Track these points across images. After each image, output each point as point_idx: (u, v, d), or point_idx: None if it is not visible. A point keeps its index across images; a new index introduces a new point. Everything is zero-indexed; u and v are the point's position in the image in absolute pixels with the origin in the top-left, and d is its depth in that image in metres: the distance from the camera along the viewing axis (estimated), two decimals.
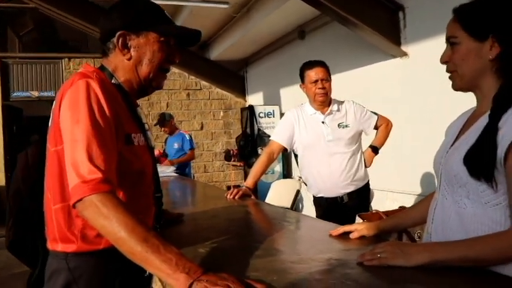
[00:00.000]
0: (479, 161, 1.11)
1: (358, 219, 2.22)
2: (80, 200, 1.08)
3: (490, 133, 1.11)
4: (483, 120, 1.18)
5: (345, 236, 1.49)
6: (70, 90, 1.22)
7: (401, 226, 1.60)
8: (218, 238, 1.54)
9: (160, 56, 1.37)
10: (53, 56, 8.42)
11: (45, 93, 8.31)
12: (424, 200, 1.51)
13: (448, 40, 1.27)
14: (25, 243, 1.40)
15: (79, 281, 1.24)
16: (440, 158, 1.31)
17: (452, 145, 1.28)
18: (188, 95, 9.19)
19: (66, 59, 8.39)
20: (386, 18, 4.91)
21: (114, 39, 1.34)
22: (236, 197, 2.51)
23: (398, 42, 4.89)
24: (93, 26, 7.18)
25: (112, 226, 1.06)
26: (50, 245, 1.29)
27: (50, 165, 1.27)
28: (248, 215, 2.14)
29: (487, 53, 1.18)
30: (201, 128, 9.27)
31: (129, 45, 1.35)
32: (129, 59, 1.35)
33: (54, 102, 1.30)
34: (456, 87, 1.28)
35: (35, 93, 8.20)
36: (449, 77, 1.29)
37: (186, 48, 1.56)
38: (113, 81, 1.36)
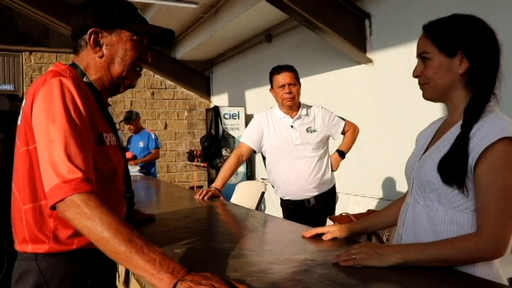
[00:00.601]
0: (452, 169, 1.18)
1: (329, 222, 2.27)
2: (61, 200, 1.07)
3: (461, 143, 1.18)
4: (455, 130, 1.25)
5: (316, 237, 1.53)
6: (43, 88, 1.20)
7: (371, 228, 1.65)
8: (192, 238, 1.54)
9: (133, 55, 1.35)
10: (13, 49, 8.13)
11: (4, 87, 8.01)
12: (393, 205, 1.58)
13: (420, 55, 1.33)
14: None
15: (50, 282, 1.22)
16: (413, 164, 1.37)
17: (424, 152, 1.34)
18: (153, 93, 9.08)
19: (27, 53, 8.12)
20: (353, 26, 5.02)
21: (86, 37, 1.33)
22: (205, 198, 2.52)
23: (364, 49, 5.01)
24: (56, 19, 6.99)
25: (95, 226, 1.05)
26: (18, 247, 1.26)
27: (20, 165, 1.24)
28: (219, 216, 2.15)
29: (457, 68, 1.25)
30: (165, 128, 9.19)
31: (101, 42, 1.33)
32: (101, 57, 1.34)
33: (24, 100, 1.27)
34: (427, 98, 1.35)
35: None
36: (421, 88, 1.35)
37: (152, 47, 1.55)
38: (84, 79, 1.34)
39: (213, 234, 1.67)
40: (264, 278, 1.09)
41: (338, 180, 3.21)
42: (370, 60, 4.97)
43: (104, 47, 1.33)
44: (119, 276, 1.48)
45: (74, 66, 1.35)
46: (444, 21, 1.31)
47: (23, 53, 8.14)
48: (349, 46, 4.97)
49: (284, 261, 1.26)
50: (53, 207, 1.09)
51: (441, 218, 1.23)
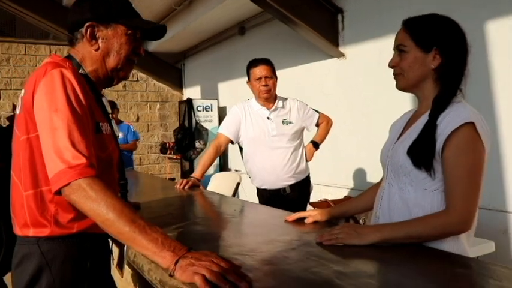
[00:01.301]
0: (421, 153, 1.31)
1: (309, 207, 2.39)
2: (67, 184, 1.13)
3: (429, 129, 1.30)
4: (424, 119, 1.37)
5: (298, 222, 1.63)
6: (44, 79, 1.25)
7: (348, 213, 1.77)
8: (180, 223, 1.62)
9: (127, 48, 1.42)
10: None
11: None
12: (367, 191, 1.70)
13: (397, 47, 1.44)
14: None
15: (52, 264, 1.28)
16: (387, 151, 1.49)
17: (397, 140, 1.46)
18: (124, 86, 9.01)
19: None
20: (326, 20, 5.14)
21: (83, 30, 1.38)
22: (186, 187, 2.59)
23: (336, 43, 5.13)
24: (22, 8, 6.83)
25: (100, 208, 1.11)
26: (19, 231, 1.31)
27: (21, 153, 1.29)
28: (202, 203, 2.23)
29: (430, 63, 1.37)
30: (137, 120, 9.14)
31: (97, 36, 1.39)
32: (96, 50, 1.40)
33: (23, 90, 1.32)
34: (400, 88, 1.46)
35: None
36: (395, 78, 1.47)
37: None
38: (80, 71, 1.39)
39: (199, 220, 1.75)
40: (255, 256, 1.18)
41: (313, 171, 3.33)
42: (342, 54, 5.10)
43: (99, 40, 1.39)
44: (113, 259, 1.54)
45: (69, 58, 1.41)
46: (424, 18, 1.42)
47: None
48: (322, 40, 5.07)
49: (271, 241, 1.36)
50: (58, 192, 1.15)
51: (413, 199, 1.35)
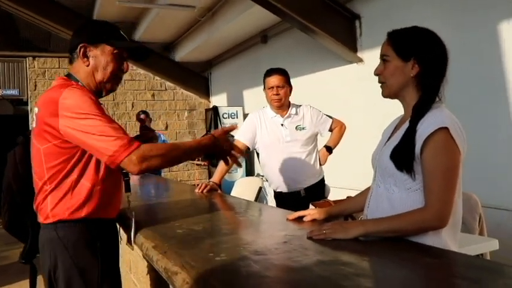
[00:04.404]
0: (402, 158, 1.43)
1: (311, 207, 2.52)
2: (127, 156, 1.50)
3: (409, 136, 1.43)
4: (406, 125, 1.49)
5: (299, 219, 1.77)
6: (61, 98, 1.54)
7: (346, 212, 1.90)
8: (192, 221, 1.79)
9: (113, 65, 1.73)
10: (17, 55, 8.39)
11: (9, 92, 8.28)
12: (364, 191, 1.83)
13: (381, 57, 1.57)
14: (18, 224, 1.77)
15: (68, 245, 1.58)
16: (376, 155, 1.62)
17: (385, 144, 1.59)
18: (153, 95, 9.33)
19: (31, 58, 8.39)
20: (344, 26, 5.26)
21: (77, 50, 1.69)
22: (204, 191, 2.77)
23: (354, 49, 5.24)
24: (57, 24, 7.23)
25: (163, 158, 1.58)
26: (41, 219, 1.62)
27: (44, 158, 1.59)
28: (216, 205, 2.40)
29: (409, 71, 1.50)
30: (166, 128, 9.44)
31: (88, 55, 1.70)
32: (87, 66, 1.70)
33: (36, 108, 1.62)
34: (384, 95, 1.60)
35: None
36: (380, 87, 1.60)
37: (153, 52, 1.98)
38: (79, 84, 1.70)
39: (210, 218, 1.92)
40: (249, 248, 1.34)
41: (331, 175, 3.44)
42: (360, 60, 5.21)
43: (90, 58, 1.70)
44: (121, 240, 1.80)
45: (68, 76, 1.73)
46: (405, 31, 1.56)
47: (27, 59, 8.40)
48: (340, 46, 5.20)
49: (268, 236, 1.52)
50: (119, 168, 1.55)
51: (398, 198, 1.48)
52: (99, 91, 1.75)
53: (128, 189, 1.89)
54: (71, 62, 1.74)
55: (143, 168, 1.51)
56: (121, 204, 1.82)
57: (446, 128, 1.37)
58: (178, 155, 1.64)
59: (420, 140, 1.40)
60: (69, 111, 1.50)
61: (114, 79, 1.75)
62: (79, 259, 1.59)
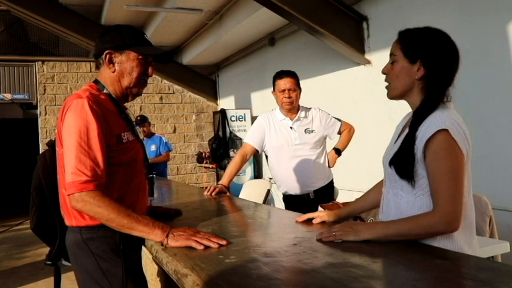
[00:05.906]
0: (401, 165, 1.43)
1: (320, 209, 2.52)
2: (71, 194, 1.50)
3: (408, 142, 1.42)
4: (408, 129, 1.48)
5: (308, 222, 1.77)
6: (69, 108, 1.58)
7: (355, 213, 1.90)
8: (202, 223, 1.80)
9: (138, 70, 1.75)
10: (26, 59, 8.47)
11: (19, 96, 8.36)
12: (370, 191, 1.82)
13: (390, 55, 1.56)
14: (45, 226, 1.77)
15: (91, 247, 1.62)
16: (385, 157, 1.61)
17: (394, 145, 1.58)
18: (161, 98, 9.37)
19: (40, 62, 8.46)
20: (352, 28, 5.24)
21: (103, 56, 1.72)
22: (213, 194, 2.77)
23: (362, 51, 5.23)
24: (65, 29, 7.29)
25: (103, 212, 1.50)
26: (67, 222, 1.66)
27: (60, 164, 1.62)
28: (225, 207, 2.40)
29: (415, 73, 1.48)
30: (174, 131, 9.47)
31: (114, 61, 1.73)
32: (113, 72, 1.73)
33: (59, 114, 1.66)
34: (389, 97, 1.59)
35: (8, 96, 8.24)
36: (386, 87, 1.59)
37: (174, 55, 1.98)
38: (104, 91, 1.74)
39: (219, 221, 1.92)
40: (259, 250, 1.34)
41: (341, 177, 3.43)
42: (368, 61, 5.19)
43: (116, 65, 1.72)
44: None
45: (96, 82, 1.76)
46: (415, 31, 1.53)
47: (36, 63, 8.47)
48: (348, 48, 5.18)
49: (277, 238, 1.52)
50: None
51: (405, 203, 1.47)
52: (125, 96, 1.78)
53: (151, 193, 1.90)
54: (97, 67, 1.77)
55: (77, 208, 1.51)
56: (146, 208, 1.83)
57: (445, 130, 1.35)
58: (117, 220, 1.50)
59: (421, 144, 1.39)
60: (65, 123, 1.56)
61: (140, 83, 1.78)
62: (103, 259, 1.61)
